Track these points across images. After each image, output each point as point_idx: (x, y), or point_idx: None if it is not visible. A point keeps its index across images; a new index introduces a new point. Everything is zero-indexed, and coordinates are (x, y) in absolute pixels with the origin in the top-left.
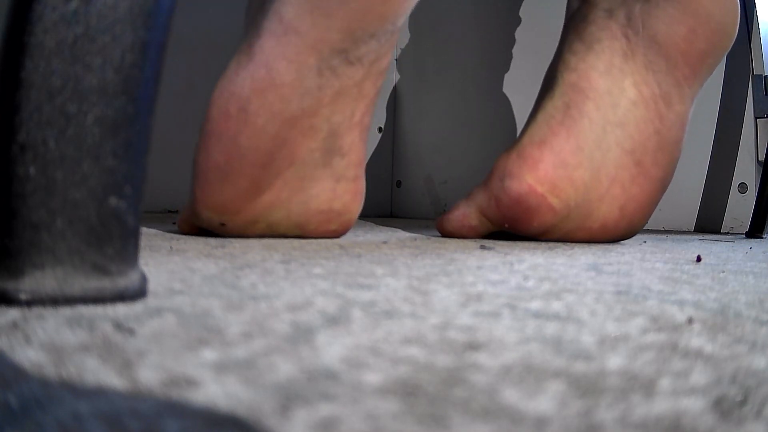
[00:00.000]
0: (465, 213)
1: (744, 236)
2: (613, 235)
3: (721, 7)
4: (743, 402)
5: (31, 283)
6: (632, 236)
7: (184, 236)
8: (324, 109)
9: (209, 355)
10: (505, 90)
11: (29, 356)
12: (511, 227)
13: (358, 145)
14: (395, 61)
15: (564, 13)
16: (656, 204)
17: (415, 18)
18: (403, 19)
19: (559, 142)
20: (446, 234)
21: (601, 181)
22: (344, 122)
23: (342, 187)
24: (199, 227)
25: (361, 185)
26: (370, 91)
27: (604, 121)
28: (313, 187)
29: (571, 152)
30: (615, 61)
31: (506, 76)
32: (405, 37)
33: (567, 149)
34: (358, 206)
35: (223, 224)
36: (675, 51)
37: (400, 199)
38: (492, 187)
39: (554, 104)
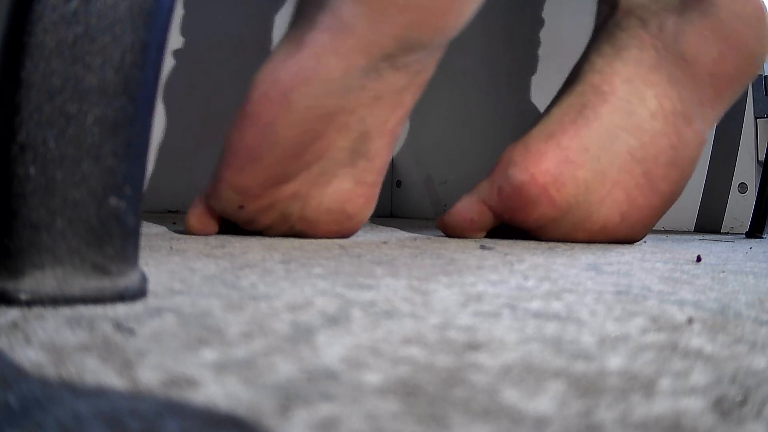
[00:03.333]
0: (466, 205)
1: (744, 236)
2: (611, 239)
3: (754, 36)
4: (743, 402)
5: (31, 283)
6: (632, 242)
7: (184, 236)
8: (361, 110)
9: (209, 355)
10: (505, 90)
11: (29, 356)
12: (510, 219)
13: (384, 152)
14: None
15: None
16: (659, 217)
17: None
18: (454, 34)
19: (566, 139)
20: (445, 229)
21: (604, 183)
22: (377, 127)
23: (359, 191)
24: (211, 225)
25: (376, 192)
26: (408, 101)
27: (618, 126)
28: (331, 185)
29: (576, 151)
30: (640, 71)
31: (506, 76)
32: None
33: (573, 147)
34: (368, 212)
35: (241, 207)
36: (703, 71)
37: (400, 199)
38: (496, 175)
39: (570, 102)
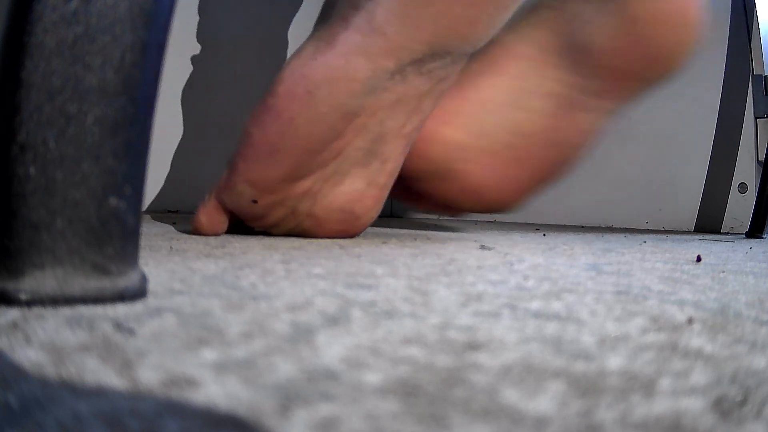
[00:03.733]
0: None
1: (744, 236)
2: (482, 205)
3: (669, 36)
4: (743, 402)
5: (31, 283)
6: (502, 212)
7: (184, 236)
8: (381, 112)
9: (209, 355)
10: None
11: (29, 356)
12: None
13: (397, 156)
14: None
15: None
16: (533, 192)
17: None
18: (482, 43)
19: (448, 100)
20: None
21: (482, 149)
22: (394, 130)
23: (369, 192)
24: (220, 224)
25: (385, 195)
26: (427, 107)
27: (505, 100)
28: (344, 184)
29: (454, 113)
30: (544, 54)
31: None
32: None
33: (451, 109)
34: (375, 214)
35: (254, 201)
36: (602, 63)
37: None
38: None
39: (466, 68)
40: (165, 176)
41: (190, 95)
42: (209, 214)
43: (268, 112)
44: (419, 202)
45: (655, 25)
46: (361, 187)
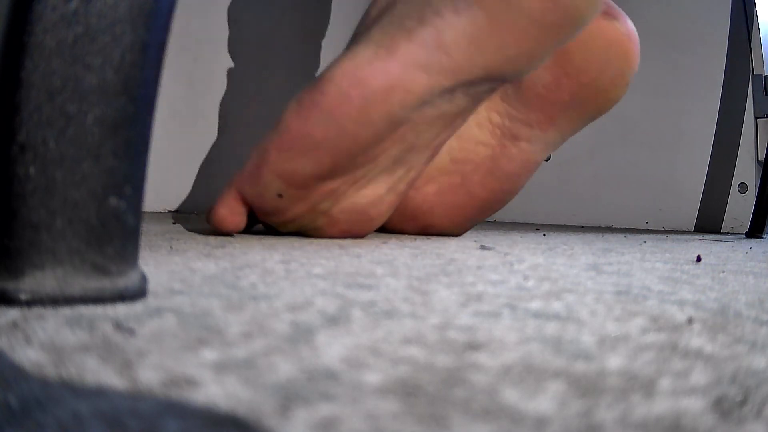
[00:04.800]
0: None
1: (744, 236)
2: (424, 228)
3: (601, 68)
4: (743, 402)
5: (31, 283)
6: (448, 235)
7: (184, 236)
8: (422, 125)
9: (209, 355)
10: None
11: (29, 356)
12: None
13: (421, 166)
14: None
15: None
16: (472, 220)
17: None
18: (532, 71)
19: None
20: None
21: (420, 175)
22: (426, 142)
23: (388, 197)
24: (241, 218)
25: (399, 201)
26: (460, 124)
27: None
28: (368, 187)
29: None
30: None
31: None
32: None
33: None
34: (386, 218)
35: (280, 195)
36: (532, 94)
37: None
38: None
39: None
40: (165, 176)
41: (189, 95)
42: (230, 206)
43: (314, 108)
44: None
45: (589, 60)
46: (382, 192)
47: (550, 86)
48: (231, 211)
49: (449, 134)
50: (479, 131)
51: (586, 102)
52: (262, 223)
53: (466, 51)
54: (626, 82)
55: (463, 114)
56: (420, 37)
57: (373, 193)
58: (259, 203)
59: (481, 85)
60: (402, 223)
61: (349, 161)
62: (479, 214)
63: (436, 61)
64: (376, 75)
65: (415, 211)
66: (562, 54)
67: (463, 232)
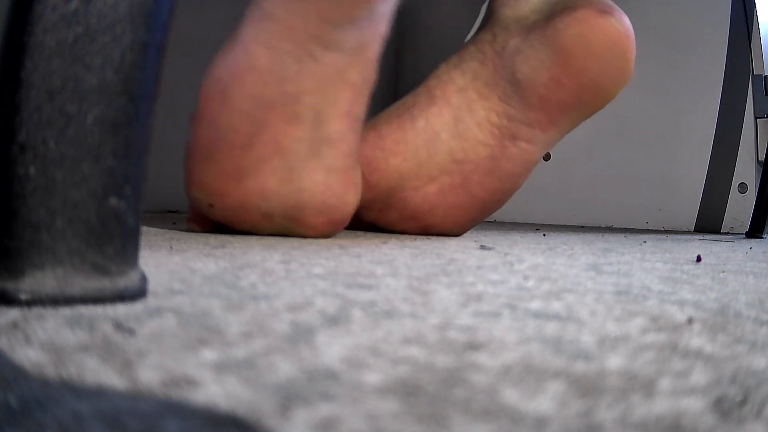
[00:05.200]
0: None
1: (744, 236)
2: (423, 228)
3: (599, 66)
4: (743, 402)
5: (31, 283)
6: (447, 236)
7: (184, 236)
8: (307, 97)
9: (209, 355)
10: None
11: (29, 356)
12: None
13: (347, 135)
14: (395, 62)
15: None
16: (472, 220)
17: (414, 18)
18: (383, 7)
19: (388, 129)
20: None
21: (420, 176)
22: (329, 111)
23: (333, 179)
24: (207, 222)
25: (355, 176)
26: (357, 79)
27: (442, 129)
28: (303, 179)
29: (394, 141)
30: (475, 84)
31: None
32: (405, 37)
33: (392, 138)
34: (353, 197)
35: (211, 205)
36: (532, 94)
37: None
38: None
39: (405, 100)
40: (165, 176)
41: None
42: (196, 221)
43: (195, 120)
44: (364, 226)
45: (587, 58)
46: (322, 177)
47: (549, 86)
48: (195, 224)
49: (353, 94)
50: (479, 131)
51: (585, 100)
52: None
53: (287, 8)
54: (624, 79)
55: (351, 68)
56: (249, 15)
57: (314, 182)
58: (207, 215)
59: (334, 34)
60: (402, 223)
61: (247, 155)
62: (479, 213)
63: (266, 30)
64: (226, 67)
65: (415, 211)
66: (560, 53)
67: (464, 232)
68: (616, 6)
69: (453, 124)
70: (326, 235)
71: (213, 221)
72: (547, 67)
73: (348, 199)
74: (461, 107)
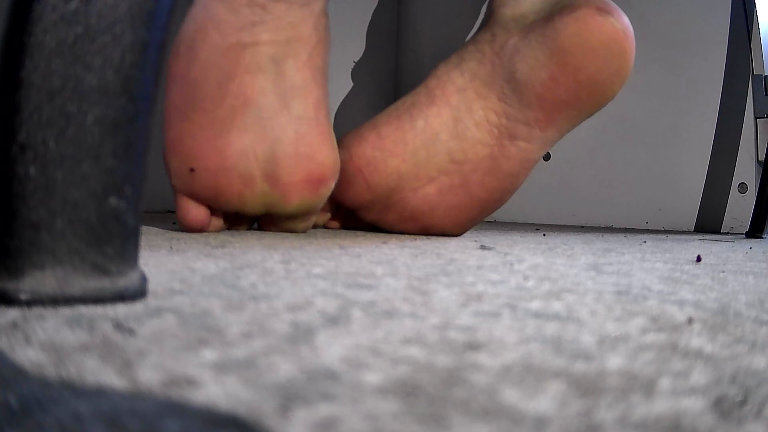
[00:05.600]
0: None
1: (744, 236)
2: (423, 228)
3: (598, 65)
4: (743, 402)
5: (31, 283)
6: (447, 235)
7: (184, 236)
8: (264, 47)
9: (209, 355)
10: None
11: (29, 356)
12: (337, 196)
13: (313, 86)
14: (395, 62)
15: None
16: (472, 220)
17: (414, 17)
18: None
19: (388, 130)
20: None
21: (419, 176)
22: (289, 61)
23: (305, 128)
24: (186, 207)
25: (327, 128)
26: (311, 33)
27: (441, 129)
28: (275, 132)
29: (393, 142)
30: (474, 83)
31: None
32: (405, 38)
33: (391, 138)
34: (328, 150)
35: (192, 170)
36: (530, 93)
37: None
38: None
39: (405, 100)
40: (165, 176)
41: None
42: (182, 207)
43: (167, 82)
44: (363, 226)
45: (585, 57)
46: (294, 127)
47: (547, 85)
48: (184, 211)
49: (311, 46)
50: (478, 131)
51: (584, 99)
52: (258, 225)
53: None
54: (623, 78)
55: (303, 22)
56: None
57: (284, 132)
58: (190, 189)
59: None
60: (402, 224)
61: (220, 109)
62: (479, 213)
63: None
64: (189, 25)
65: (415, 212)
66: (558, 52)
67: (464, 232)
68: (615, 5)
69: (452, 124)
70: (309, 205)
71: (198, 198)
72: (545, 66)
73: (322, 150)
74: (460, 107)
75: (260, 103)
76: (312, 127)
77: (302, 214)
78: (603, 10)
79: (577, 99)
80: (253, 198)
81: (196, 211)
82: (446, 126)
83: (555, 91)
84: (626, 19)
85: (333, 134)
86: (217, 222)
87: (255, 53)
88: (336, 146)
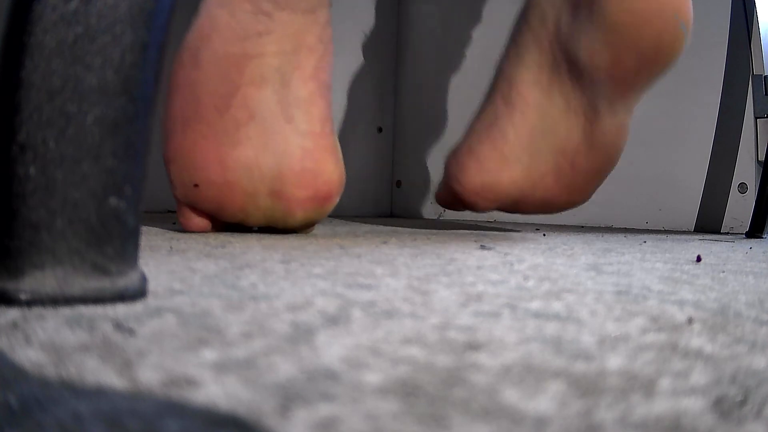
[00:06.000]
0: (440, 194)
1: (744, 236)
2: (554, 209)
3: (652, 33)
4: (743, 402)
5: (31, 283)
6: (575, 206)
7: (184, 236)
8: (270, 58)
9: (209, 355)
10: None
11: (29, 356)
12: (468, 208)
13: (317, 99)
14: (395, 62)
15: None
16: (595, 186)
17: (414, 17)
18: None
19: (484, 151)
20: (442, 203)
21: (531, 177)
22: (294, 73)
23: (310, 143)
24: (188, 216)
25: (332, 142)
26: (316, 44)
27: (533, 129)
28: (279, 143)
29: (495, 160)
30: (543, 74)
31: None
32: (405, 37)
33: (491, 158)
34: (333, 165)
35: (196, 185)
36: (600, 75)
37: (400, 199)
38: (445, 182)
39: (486, 114)
40: (165, 176)
41: None
42: (183, 215)
43: (170, 91)
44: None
45: (635, 23)
46: (298, 141)
47: (613, 64)
48: (185, 218)
49: (315, 58)
50: (565, 118)
51: (651, 66)
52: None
53: None
54: (683, 34)
55: (308, 31)
56: None
57: (289, 146)
58: (192, 202)
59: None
60: (538, 212)
61: (224, 120)
62: (597, 180)
63: None
64: (194, 34)
65: (542, 202)
66: (614, 31)
67: (589, 198)
68: None
69: (540, 121)
70: (313, 219)
71: (200, 209)
72: (605, 47)
73: (328, 166)
74: (541, 102)
75: (265, 116)
76: (317, 142)
77: (305, 226)
78: None
79: (645, 67)
80: (257, 212)
81: (198, 220)
82: (535, 125)
83: (621, 67)
84: None
85: (338, 147)
86: (202, 224)
87: (260, 65)
88: (341, 159)
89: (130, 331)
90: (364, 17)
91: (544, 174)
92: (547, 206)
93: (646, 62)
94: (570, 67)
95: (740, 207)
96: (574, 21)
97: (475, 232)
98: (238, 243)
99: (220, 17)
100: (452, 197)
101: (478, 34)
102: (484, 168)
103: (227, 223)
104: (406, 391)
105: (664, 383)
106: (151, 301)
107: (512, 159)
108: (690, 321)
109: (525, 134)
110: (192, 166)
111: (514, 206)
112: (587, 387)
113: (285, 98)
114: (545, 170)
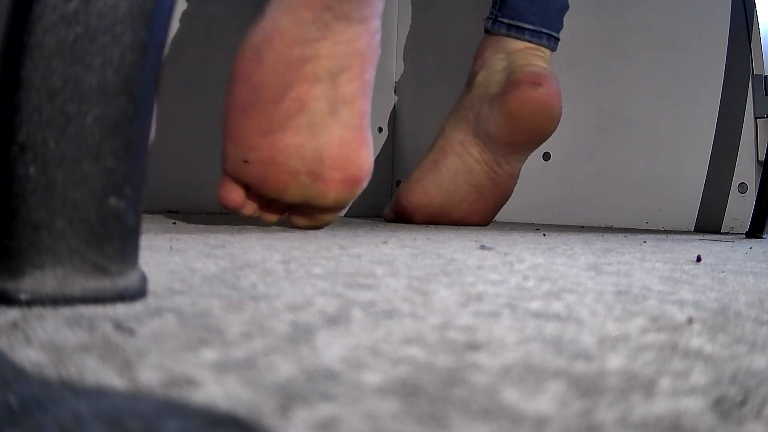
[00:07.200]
0: (388, 210)
1: (744, 236)
2: (467, 224)
3: (536, 122)
4: (743, 402)
5: (31, 283)
6: (482, 225)
7: (184, 236)
8: (323, 60)
9: (209, 355)
10: None
11: (29, 356)
12: (408, 221)
13: (360, 97)
14: (395, 63)
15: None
16: (496, 211)
17: (414, 17)
18: None
19: (426, 181)
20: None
21: (452, 201)
22: (343, 74)
23: (350, 134)
24: (229, 189)
25: (368, 136)
26: (366, 49)
27: (457, 169)
28: (323, 135)
29: (433, 187)
30: (468, 137)
31: None
32: (405, 38)
33: (430, 186)
34: (366, 155)
35: (246, 161)
36: (500, 142)
37: None
38: (396, 199)
39: (430, 157)
40: (165, 176)
41: (189, 95)
42: (225, 187)
43: (232, 80)
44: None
45: (528, 118)
46: (340, 132)
47: (508, 138)
48: (226, 191)
49: (364, 61)
50: (478, 165)
51: (532, 140)
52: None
53: None
54: (555, 123)
55: (360, 38)
56: None
57: (332, 137)
58: (240, 176)
59: (342, 5)
60: (452, 224)
61: (278, 111)
62: (495, 209)
63: (290, 1)
64: (258, 33)
65: (457, 219)
66: (510, 119)
67: (489, 222)
68: (546, 74)
69: (462, 165)
70: (342, 200)
71: (245, 193)
72: (504, 127)
73: (363, 154)
74: (463, 153)
75: (313, 109)
76: (355, 133)
77: (335, 208)
78: (536, 83)
79: (528, 141)
80: (295, 189)
81: (235, 194)
82: (459, 167)
83: (513, 139)
84: (554, 83)
85: (371, 141)
86: (251, 207)
87: (315, 66)
88: (372, 150)
89: (130, 331)
90: None
91: (462, 200)
92: (462, 222)
93: (530, 137)
94: (483, 135)
95: (740, 207)
96: (490, 109)
97: (475, 232)
98: (238, 243)
99: (283, 23)
100: (398, 211)
101: (478, 34)
102: (425, 192)
103: (261, 201)
104: (406, 391)
105: (664, 383)
106: (151, 301)
107: (443, 188)
108: (690, 321)
109: (452, 173)
110: (246, 145)
111: (440, 220)
112: (587, 387)
113: (333, 95)
114: (463, 197)
